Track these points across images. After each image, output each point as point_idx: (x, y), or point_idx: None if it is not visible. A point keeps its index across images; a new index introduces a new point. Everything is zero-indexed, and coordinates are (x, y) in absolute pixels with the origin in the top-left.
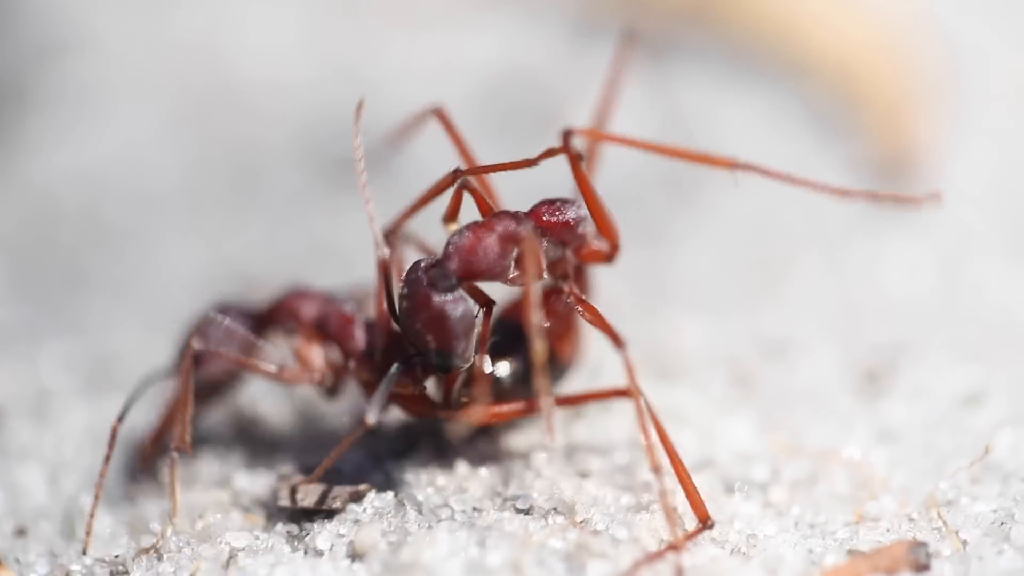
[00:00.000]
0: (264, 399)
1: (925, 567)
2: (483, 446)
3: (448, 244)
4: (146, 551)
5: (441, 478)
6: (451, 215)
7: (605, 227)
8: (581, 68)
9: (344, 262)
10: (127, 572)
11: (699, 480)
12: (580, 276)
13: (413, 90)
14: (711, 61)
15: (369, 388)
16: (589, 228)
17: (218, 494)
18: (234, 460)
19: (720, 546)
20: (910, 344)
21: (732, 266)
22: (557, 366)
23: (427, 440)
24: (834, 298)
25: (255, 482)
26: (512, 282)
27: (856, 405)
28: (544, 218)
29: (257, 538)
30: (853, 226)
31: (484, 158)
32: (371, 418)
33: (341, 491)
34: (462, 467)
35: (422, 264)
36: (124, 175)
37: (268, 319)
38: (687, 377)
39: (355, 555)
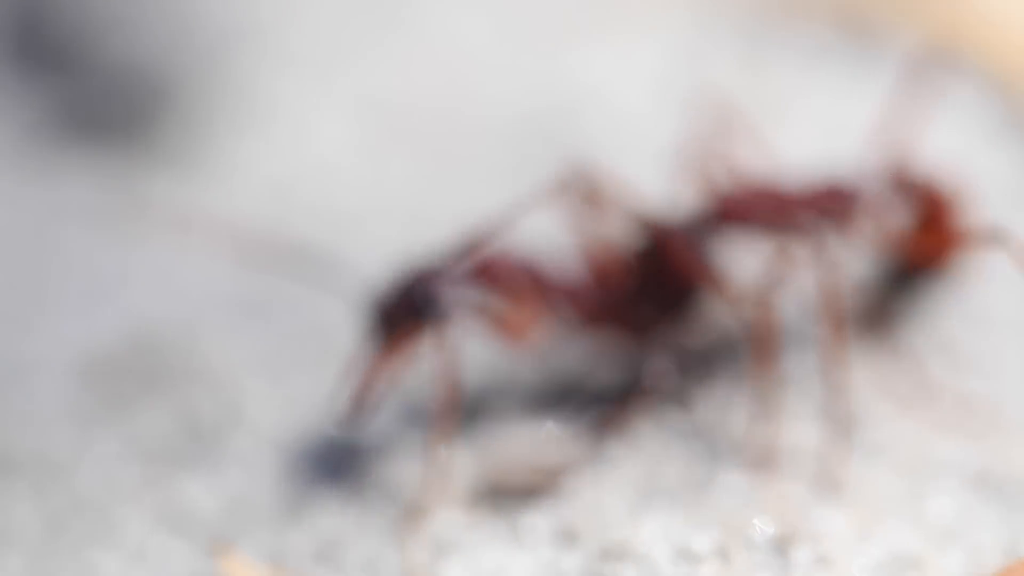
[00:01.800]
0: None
1: None
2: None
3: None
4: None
5: (645, 463)
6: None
7: None
8: (760, 79)
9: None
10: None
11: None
12: None
13: (621, 101)
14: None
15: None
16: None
17: (427, 474)
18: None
19: (921, 531)
20: None
21: None
22: None
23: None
24: None
25: (464, 463)
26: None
27: None
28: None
29: (468, 521)
30: None
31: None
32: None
33: (550, 472)
34: (655, 447)
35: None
36: (304, 193)
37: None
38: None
39: (564, 537)
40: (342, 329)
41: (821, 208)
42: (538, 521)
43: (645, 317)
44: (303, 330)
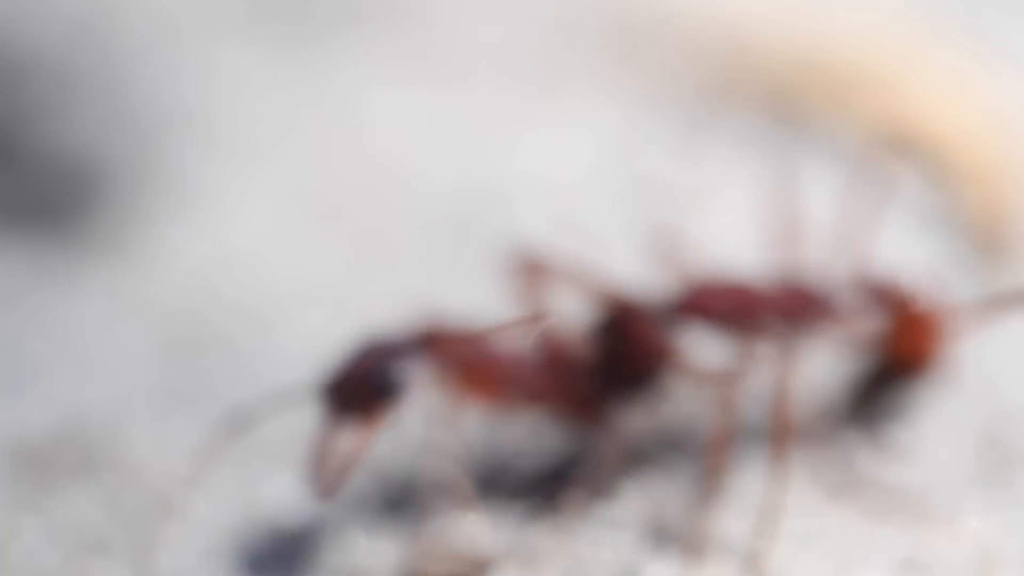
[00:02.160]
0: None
1: None
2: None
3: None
4: None
5: (575, 553)
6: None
7: None
8: (700, 165)
9: None
10: None
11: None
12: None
13: (550, 192)
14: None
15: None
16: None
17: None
18: (366, 531)
19: None
20: None
21: None
22: None
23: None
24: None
25: (386, 549)
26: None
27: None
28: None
29: None
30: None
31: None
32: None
33: (476, 563)
34: (583, 538)
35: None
36: (241, 271)
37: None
38: None
39: None
40: (269, 420)
41: (788, 309)
42: None
43: (598, 397)
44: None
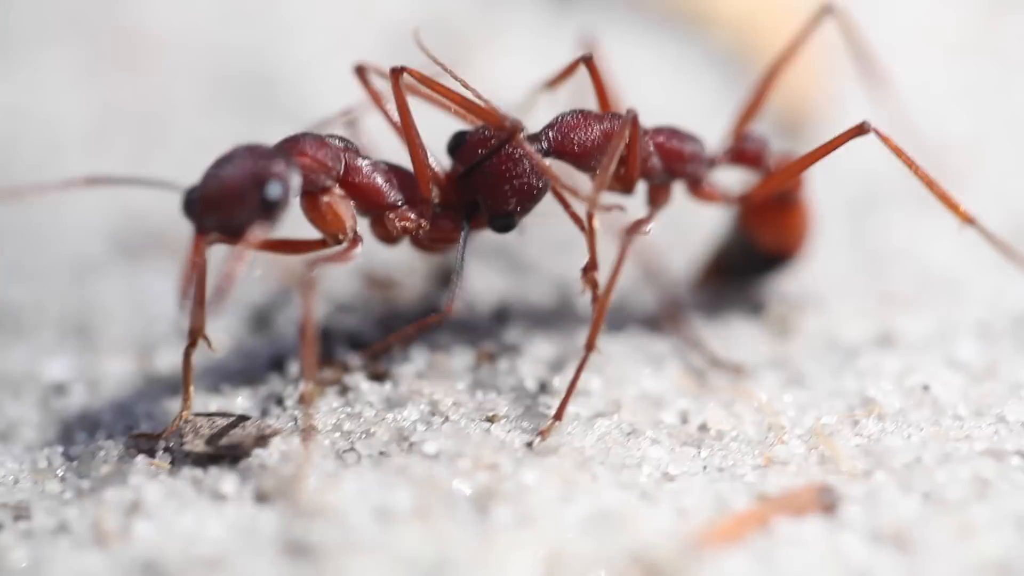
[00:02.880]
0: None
1: (833, 509)
2: (390, 389)
3: (556, 118)
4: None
5: (348, 423)
6: (556, 81)
7: None
8: (493, 16)
9: None
10: (30, 516)
11: (606, 424)
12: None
13: (323, 39)
14: (614, 8)
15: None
16: (703, 170)
17: (122, 439)
18: (138, 402)
19: (629, 490)
20: (818, 292)
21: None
22: None
23: (334, 386)
24: None
25: (158, 425)
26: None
27: (765, 349)
28: (660, 140)
29: (162, 483)
30: None
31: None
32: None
33: (247, 435)
34: (368, 412)
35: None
36: (31, 120)
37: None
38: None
39: (261, 498)
40: None
41: (664, 152)
42: (234, 483)
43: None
44: None
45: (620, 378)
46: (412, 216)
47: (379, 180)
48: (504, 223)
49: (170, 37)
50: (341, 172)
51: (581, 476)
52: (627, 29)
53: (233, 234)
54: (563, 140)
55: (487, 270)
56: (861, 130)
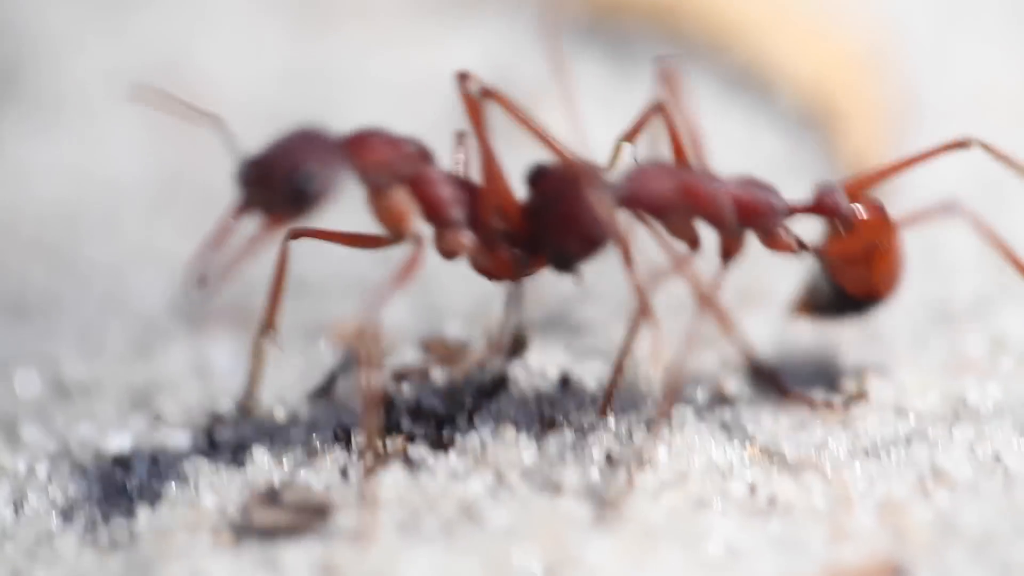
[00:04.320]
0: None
1: None
2: (455, 460)
3: (631, 169)
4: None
5: (413, 495)
6: (632, 134)
7: None
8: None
9: (316, 283)
10: None
11: (674, 496)
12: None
13: (385, 102)
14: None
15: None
16: (783, 223)
17: (186, 513)
18: (201, 476)
19: (697, 564)
20: (889, 355)
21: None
22: None
23: (398, 457)
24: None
25: (224, 500)
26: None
27: (835, 419)
28: (739, 193)
29: (225, 557)
30: None
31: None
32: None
33: (310, 508)
34: (433, 484)
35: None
36: (95, 188)
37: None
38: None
39: (326, 573)
40: None
41: (742, 206)
42: (298, 558)
43: (520, 261)
44: None
45: (687, 448)
46: (470, 238)
47: (445, 193)
48: (565, 263)
49: (233, 100)
50: (408, 175)
51: (649, 549)
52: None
53: (267, 213)
54: (636, 193)
55: (550, 338)
56: (962, 144)
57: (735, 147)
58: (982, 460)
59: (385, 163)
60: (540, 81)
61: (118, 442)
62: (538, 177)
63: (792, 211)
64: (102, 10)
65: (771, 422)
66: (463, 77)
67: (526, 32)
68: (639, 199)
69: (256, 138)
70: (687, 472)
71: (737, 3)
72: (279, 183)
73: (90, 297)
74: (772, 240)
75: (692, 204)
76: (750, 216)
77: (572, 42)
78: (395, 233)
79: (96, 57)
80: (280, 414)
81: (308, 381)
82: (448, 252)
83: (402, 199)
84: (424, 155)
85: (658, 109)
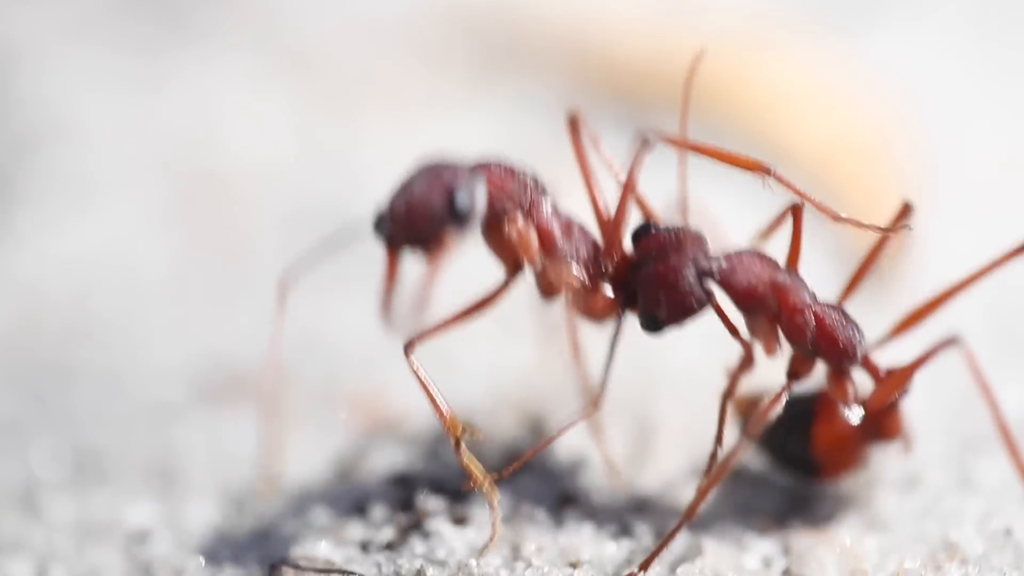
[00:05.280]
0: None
1: None
2: (473, 534)
3: (736, 252)
4: None
5: (431, 569)
6: (769, 231)
7: None
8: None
9: (331, 351)
10: None
11: (689, 570)
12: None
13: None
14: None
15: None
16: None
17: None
18: (222, 549)
19: None
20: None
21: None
22: None
23: (416, 531)
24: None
25: (247, 571)
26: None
27: (846, 492)
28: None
29: None
30: None
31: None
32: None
33: None
34: (451, 558)
35: (701, 245)
36: (111, 266)
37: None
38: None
39: None
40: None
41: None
42: None
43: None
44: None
45: (702, 521)
46: (578, 273)
47: (557, 228)
48: (651, 323)
49: (248, 176)
50: (526, 205)
51: None
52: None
53: (424, 245)
54: (733, 274)
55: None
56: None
57: (745, 221)
58: (993, 534)
59: (507, 191)
60: (559, 150)
61: (138, 514)
62: (644, 235)
63: (867, 359)
64: (121, 91)
65: (782, 495)
66: (573, 121)
67: (548, 105)
68: (732, 281)
69: (277, 216)
70: (701, 546)
71: (753, 76)
72: (436, 210)
73: (107, 372)
74: (837, 382)
75: (780, 306)
76: (827, 345)
77: (591, 109)
78: (512, 262)
79: (115, 136)
80: (300, 488)
81: (325, 451)
82: (551, 288)
83: (524, 227)
84: (542, 187)
85: (794, 210)
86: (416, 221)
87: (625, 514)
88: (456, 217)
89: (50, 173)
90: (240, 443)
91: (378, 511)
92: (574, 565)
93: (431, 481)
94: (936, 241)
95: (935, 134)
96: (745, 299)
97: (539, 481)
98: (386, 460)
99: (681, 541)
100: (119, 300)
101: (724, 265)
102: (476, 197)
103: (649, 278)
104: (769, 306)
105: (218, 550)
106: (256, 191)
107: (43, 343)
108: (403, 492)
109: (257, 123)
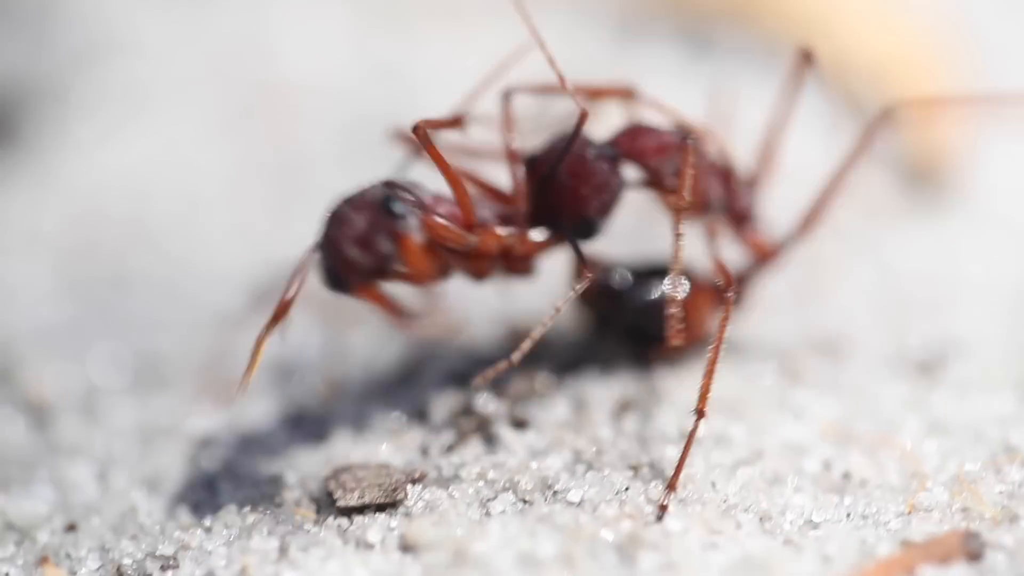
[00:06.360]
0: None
1: (978, 556)
2: (533, 438)
3: (623, 127)
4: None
5: (492, 472)
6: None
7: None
8: (624, 65)
9: None
10: (177, 566)
11: (749, 472)
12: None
13: (457, 90)
14: (749, 57)
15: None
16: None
17: (267, 488)
18: (283, 452)
19: (772, 537)
20: (961, 337)
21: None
22: None
23: (477, 434)
24: (882, 292)
25: (306, 476)
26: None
27: (907, 397)
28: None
29: (308, 532)
30: (897, 219)
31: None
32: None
33: (392, 484)
34: (512, 460)
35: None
36: (168, 175)
37: None
38: (738, 370)
39: (406, 548)
40: None
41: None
42: (380, 532)
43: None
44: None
45: (762, 426)
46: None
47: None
48: (585, 228)
49: (306, 87)
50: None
51: (725, 524)
52: (765, 74)
53: (385, 267)
54: (632, 141)
55: None
56: None
57: (802, 135)
58: None
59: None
60: (611, 69)
61: (198, 419)
62: (533, 160)
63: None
64: (177, 4)
65: (842, 400)
66: (507, 95)
67: (604, 15)
68: (634, 147)
69: (334, 126)
70: (762, 450)
71: None
72: (377, 227)
73: (165, 279)
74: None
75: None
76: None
77: (647, 23)
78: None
79: (171, 49)
80: (361, 392)
81: (387, 356)
82: (481, 269)
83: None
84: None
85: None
86: (365, 249)
87: (684, 417)
88: (395, 217)
89: (107, 85)
90: (301, 349)
91: (438, 415)
92: (634, 468)
93: (491, 386)
94: (994, 151)
95: (992, 45)
96: (653, 154)
97: (599, 384)
98: (446, 366)
99: (741, 446)
100: (177, 208)
101: (619, 138)
102: (406, 197)
103: (562, 183)
104: (673, 158)
105: (277, 453)
106: (312, 102)
107: (102, 252)
108: (463, 397)
109: (313, 34)
